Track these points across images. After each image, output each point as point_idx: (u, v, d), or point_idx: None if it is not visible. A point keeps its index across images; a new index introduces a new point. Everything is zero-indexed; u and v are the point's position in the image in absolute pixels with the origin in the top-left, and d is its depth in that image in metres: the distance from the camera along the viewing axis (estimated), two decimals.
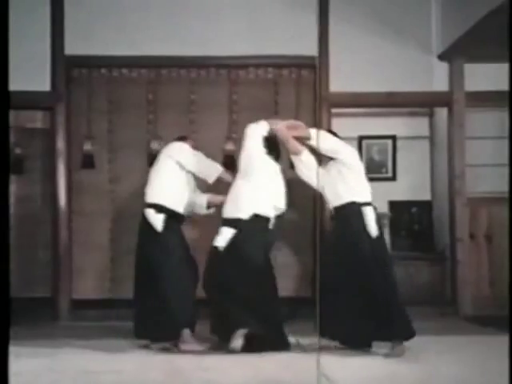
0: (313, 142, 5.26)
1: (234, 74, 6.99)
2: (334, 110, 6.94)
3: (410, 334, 5.04)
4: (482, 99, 7.00)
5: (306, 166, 5.33)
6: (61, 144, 6.79)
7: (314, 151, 5.33)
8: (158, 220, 5.41)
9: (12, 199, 6.87)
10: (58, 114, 6.80)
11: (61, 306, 6.72)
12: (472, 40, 6.36)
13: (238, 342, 5.03)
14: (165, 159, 5.54)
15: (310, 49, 6.66)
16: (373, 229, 5.14)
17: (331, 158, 5.28)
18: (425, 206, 7.56)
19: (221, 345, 5.22)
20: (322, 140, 5.19)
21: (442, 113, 7.38)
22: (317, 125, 6.40)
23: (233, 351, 5.03)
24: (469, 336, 5.83)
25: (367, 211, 5.15)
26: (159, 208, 5.43)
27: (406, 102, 7.14)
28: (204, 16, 6.88)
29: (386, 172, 7.61)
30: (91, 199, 6.85)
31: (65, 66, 6.82)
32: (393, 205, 7.55)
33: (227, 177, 5.56)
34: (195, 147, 5.62)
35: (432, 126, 7.59)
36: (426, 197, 7.58)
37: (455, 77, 7.00)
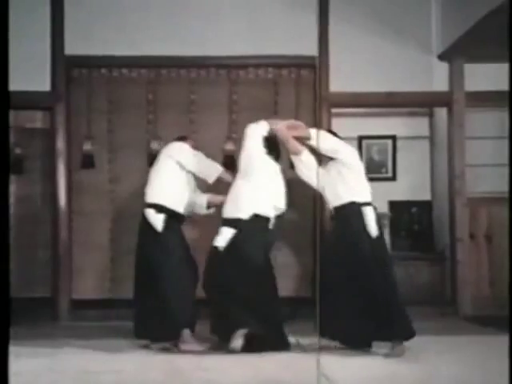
0: (313, 142, 5.26)
1: (233, 74, 6.99)
2: (334, 110, 6.94)
3: (409, 334, 5.04)
4: (482, 99, 7.01)
5: (306, 166, 5.33)
6: (61, 144, 6.79)
7: (313, 151, 5.33)
8: (158, 220, 5.41)
9: (12, 199, 6.88)
10: (58, 114, 6.80)
11: (61, 305, 6.72)
12: (472, 40, 6.36)
13: (237, 342, 5.03)
14: (165, 159, 5.54)
15: (310, 49, 6.66)
16: (373, 229, 5.13)
17: (331, 158, 5.28)
18: (425, 206, 7.56)
19: (221, 345, 5.22)
20: (322, 140, 5.19)
21: (441, 113, 7.38)
22: (317, 125, 6.40)
23: (233, 351, 5.03)
24: (469, 336, 5.83)
25: (367, 211, 5.15)
26: (159, 208, 5.43)
27: (406, 102, 7.14)
28: (204, 16, 6.89)
29: (386, 172, 7.61)
30: (91, 199, 6.85)
31: (65, 66, 6.82)
32: (393, 205, 7.55)
33: (227, 177, 5.56)
34: (195, 147, 5.63)
35: (432, 126, 7.59)
36: (426, 197, 7.59)
37: (455, 77, 7.00)
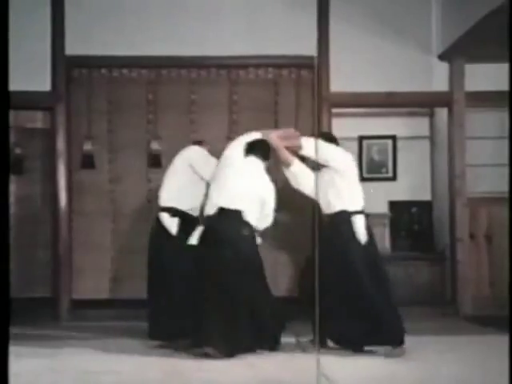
0: (304, 152, 5.30)
1: (234, 74, 7.00)
2: (334, 110, 6.94)
3: (398, 341, 5.03)
4: (482, 99, 7.00)
5: (297, 177, 5.39)
6: (61, 144, 6.79)
7: (306, 159, 5.37)
8: (172, 223, 5.44)
9: (12, 199, 6.88)
10: (58, 114, 6.80)
11: (61, 305, 6.72)
12: (472, 40, 6.35)
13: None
14: (179, 163, 5.59)
15: (310, 49, 6.67)
16: (362, 236, 5.17)
17: (325, 165, 5.29)
18: (425, 206, 7.56)
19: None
20: (313, 148, 5.22)
21: (442, 113, 7.38)
22: (317, 125, 6.42)
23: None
24: (469, 336, 5.83)
25: (357, 219, 5.19)
26: (174, 211, 5.45)
27: (406, 102, 7.14)
28: (204, 16, 6.89)
29: (386, 172, 7.61)
30: (91, 199, 6.85)
31: (65, 66, 6.82)
32: (393, 205, 7.55)
33: None
34: (211, 151, 5.64)
35: (432, 126, 7.60)
36: (426, 197, 7.59)
37: (455, 77, 7.00)
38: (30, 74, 6.65)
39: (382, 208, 7.54)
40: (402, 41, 7.06)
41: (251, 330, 5.03)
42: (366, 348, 5.09)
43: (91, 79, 6.94)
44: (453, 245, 7.06)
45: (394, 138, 7.56)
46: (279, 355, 5.06)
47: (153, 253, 5.59)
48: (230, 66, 6.96)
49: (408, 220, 7.58)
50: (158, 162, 6.82)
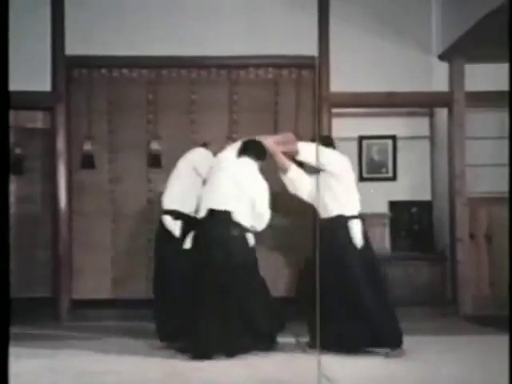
0: (301, 157, 5.30)
1: (234, 74, 6.99)
2: (334, 110, 6.94)
3: (395, 344, 5.03)
4: (482, 99, 7.00)
5: (294, 182, 5.40)
6: (61, 144, 6.79)
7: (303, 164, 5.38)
8: (175, 226, 5.44)
9: (12, 199, 6.87)
10: (58, 114, 6.80)
11: (61, 305, 6.72)
12: (472, 40, 6.35)
13: None
14: (183, 166, 5.59)
15: (310, 49, 6.67)
16: (358, 241, 5.18)
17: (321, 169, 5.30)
18: (425, 206, 7.56)
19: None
20: (310, 153, 5.24)
21: (442, 113, 7.38)
22: (317, 125, 6.42)
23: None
24: (469, 336, 5.84)
25: (353, 224, 5.20)
26: (177, 214, 5.46)
27: (406, 102, 7.14)
28: (204, 16, 6.88)
29: (387, 172, 7.61)
30: (91, 199, 6.85)
31: (65, 66, 6.82)
32: (393, 205, 7.55)
33: None
34: (216, 153, 5.63)
35: (432, 126, 7.60)
36: (426, 197, 7.59)
37: (455, 77, 7.00)
38: (30, 74, 6.65)
39: (382, 208, 7.54)
40: (402, 41, 7.06)
41: (245, 330, 5.02)
42: (365, 349, 5.10)
43: (91, 79, 6.93)
44: (453, 245, 7.06)
45: (393, 137, 7.56)
46: (279, 355, 5.07)
47: (157, 255, 5.63)
48: (230, 66, 6.95)
49: (408, 220, 7.58)
50: (157, 162, 6.82)
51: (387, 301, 5.17)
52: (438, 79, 7.13)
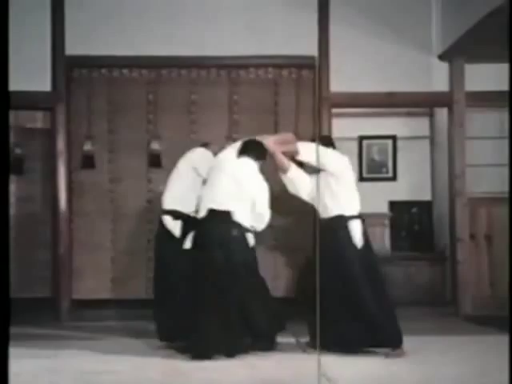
0: (300, 157, 5.30)
1: (234, 75, 6.99)
2: (334, 110, 6.94)
3: (395, 343, 5.04)
4: (482, 99, 7.00)
5: (294, 183, 5.41)
6: (61, 144, 6.79)
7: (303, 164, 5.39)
8: (175, 226, 5.45)
9: (12, 199, 6.88)
10: (59, 114, 6.80)
11: (61, 306, 6.71)
12: (472, 40, 6.35)
13: None
14: (183, 166, 5.59)
15: (310, 49, 6.67)
16: (358, 241, 5.18)
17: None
18: (425, 206, 7.57)
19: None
20: (310, 153, 5.24)
21: (442, 113, 7.38)
22: (317, 125, 6.42)
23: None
24: (469, 336, 5.83)
25: (354, 225, 5.20)
26: (177, 214, 5.45)
27: (406, 102, 7.13)
28: (204, 16, 6.88)
29: (387, 172, 7.62)
30: (91, 199, 6.84)
31: (65, 67, 6.81)
32: (393, 205, 7.56)
33: None
34: (216, 153, 5.62)
35: (432, 126, 7.60)
36: (427, 197, 7.59)
37: (455, 77, 7.00)
38: (31, 74, 6.65)
39: (382, 208, 7.54)
40: (402, 41, 7.06)
41: (244, 330, 5.02)
42: (364, 349, 5.10)
43: (91, 79, 6.93)
44: (453, 245, 7.06)
45: (394, 138, 7.56)
46: (279, 355, 5.07)
47: (157, 255, 5.63)
48: (230, 66, 6.95)
49: (408, 220, 7.58)
50: (157, 162, 6.82)
51: (387, 301, 5.16)
52: (438, 79, 7.13)
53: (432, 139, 7.60)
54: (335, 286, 5.05)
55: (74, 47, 6.76)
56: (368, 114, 7.39)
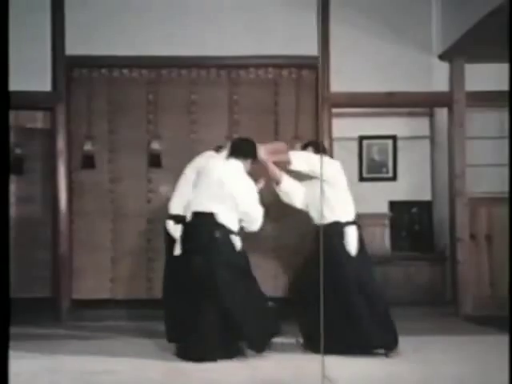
0: (293, 167, 5.30)
1: (234, 75, 6.99)
2: (334, 110, 6.94)
3: (388, 347, 5.05)
4: (482, 99, 7.00)
5: (288, 194, 5.45)
6: (61, 144, 6.79)
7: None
8: (176, 229, 5.45)
9: (12, 199, 6.88)
10: (59, 114, 6.80)
11: (61, 306, 6.71)
12: (472, 40, 6.35)
13: None
14: (190, 170, 5.57)
15: (310, 49, 6.67)
16: (353, 248, 5.20)
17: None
18: (425, 206, 7.57)
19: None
20: (302, 162, 5.26)
21: (442, 113, 7.38)
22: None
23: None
24: (469, 336, 5.83)
25: (350, 231, 5.22)
26: (179, 218, 5.46)
27: (407, 102, 7.13)
28: (204, 16, 6.88)
29: (387, 172, 7.62)
30: (91, 199, 6.84)
31: (65, 67, 6.81)
32: (393, 205, 7.56)
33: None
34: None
35: (432, 126, 7.60)
36: (427, 197, 7.59)
37: (455, 77, 7.00)
38: (31, 74, 6.65)
39: (383, 208, 7.55)
40: (402, 41, 7.05)
41: (228, 331, 4.94)
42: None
43: (91, 79, 6.93)
44: (453, 245, 7.06)
45: (394, 137, 7.56)
46: (279, 355, 5.06)
47: (166, 257, 5.62)
48: (230, 66, 6.95)
49: (408, 220, 7.58)
50: (158, 162, 6.82)
51: (381, 306, 5.16)
52: (438, 79, 7.12)
53: (432, 139, 7.60)
54: (329, 291, 5.03)
55: (74, 47, 6.77)
56: (368, 114, 7.39)
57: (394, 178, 7.62)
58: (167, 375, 4.56)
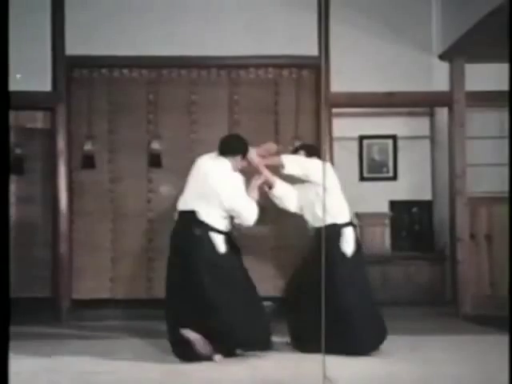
0: (286, 171, 5.30)
1: (234, 75, 6.99)
2: (334, 110, 6.93)
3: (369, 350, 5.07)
4: (482, 99, 7.00)
5: (281, 199, 5.46)
6: (61, 144, 6.79)
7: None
8: None
9: (12, 199, 6.88)
10: (59, 114, 6.80)
11: (61, 305, 6.71)
12: (472, 40, 6.35)
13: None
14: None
15: (311, 49, 6.67)
16: (349, 249, 5.21)
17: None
18: (425, 206, 7.57)
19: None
20: (295, 166, 5.27)
21: (442, 113, 7.39)
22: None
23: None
24: (469, 336, 5.83)
25: (347, 232, 5.24)
26: None
27: (407, 102, 7.13)
28: (204, 16, 6.88)
29: (387, 172, 7.63)
30: (91, 199, 6.84)
31: (65, 67, 6.81)
32: (393, 204, 7.57)
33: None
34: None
35: (433, 126, 7.61)
36: (427, 197, 7.60)
37: (456, 77, 7.00)
38: (31, 74, 6.65)
39: (383, 208, 7.55)
40: (402, 41, 7.05)
41: (214, 331, 4.90)
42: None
43: (92, 79, 6.93)
44: (453, 244, 7.06)
45: (394, 137, 7.57)
46: (279, 355, 5.07)
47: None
48: (230, 66, 6.95)
49: (408, 220, 7.59)
50: (158, 162, 6.82)
51: (371, 306, 5.19)
52: (438, 79, 7.12)
53: (432, 139, 7.61)
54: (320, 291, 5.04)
55: (74, 47, 6.76)
56: (368, 114, 7.40)
57: (394, 178, 7.63)
58: (167, 375, 4.56)
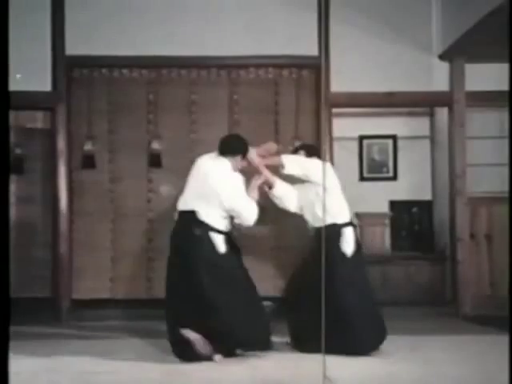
0: (286, 171, 5.30)
1: (234, 75, 6.99)
2: (334, 110, 6.93)
3: (368, 350, 5.07)
4: (482, 99, 7.00)
5: (282, 199, 5.46)
6: (61, 144, 6.79)
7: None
8: None
9: (12, 199, 6.88)
10: (59, 114, 6.80)
11: (61, 305, 6.71)
12: (472, 40, 6.35)
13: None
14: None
15: (311, 49, 6.67)
16: (349, 249, 5.21)
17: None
18: (425, 206, 7.57)
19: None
20: (295, 166, 5.28)
21: (442, 112, 7.39)
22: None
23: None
24: (469, 336, 5.83)
25: (347, 232, 5.25)
26: None
27: (407, 102, 7.13)
28: (204, 16, 6.88)
29: (387, 172, 7.63)
30: (91, 199, 6.84)
31: (65, 67, 6.81)
32: (393, 204, 7.57)
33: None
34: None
35: (433, 126, 7.61)
36: (427, 196, 7.60)
37: (456, 76, 7.00)
38: (31, 74, 6.65)
39: (383, 207, 7.55)
40: (402, 41, 7.05)
41: (214, 331, 4.89)
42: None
43: (92, 79, 6.93)
44: (453, 244, 7.06)
45: (394, 137, 7.57)
46: (279, 355, 5.07)
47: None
48: (230, 66, 6.95)
49: (408, 220, 7.59)
50: (158, 162, 6.82)
51: (371, 306, 5.19)
52: (438, 79, 7.12)
53: (432, 139, 7.61)
54: (320, 291, 5.04)
55: (74, 47, 6.76)
56: (368, 114, 7.40)
57: (394, 178, 7.63)
58: (167, 375, 4.56)
